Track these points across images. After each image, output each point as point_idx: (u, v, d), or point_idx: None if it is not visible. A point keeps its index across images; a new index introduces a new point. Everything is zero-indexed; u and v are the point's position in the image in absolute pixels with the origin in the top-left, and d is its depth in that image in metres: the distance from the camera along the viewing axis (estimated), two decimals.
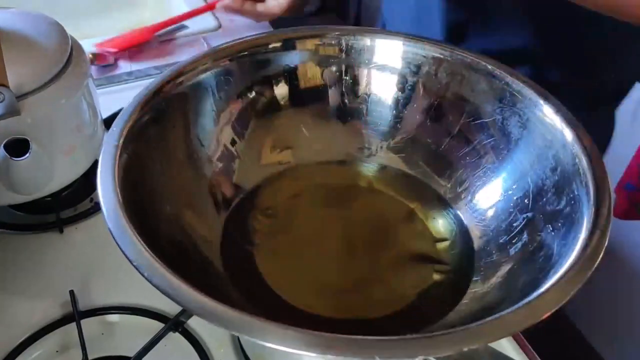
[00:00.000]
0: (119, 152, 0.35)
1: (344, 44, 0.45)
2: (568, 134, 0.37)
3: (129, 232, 0.31)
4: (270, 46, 0.44)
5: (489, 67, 0.42)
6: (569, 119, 0.38)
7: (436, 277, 0.40)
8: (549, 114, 0.39)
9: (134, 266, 0.30)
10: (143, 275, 0.29)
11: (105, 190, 0.33)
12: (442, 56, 0.43)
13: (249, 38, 0.44)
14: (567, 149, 0.37)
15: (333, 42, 0.45)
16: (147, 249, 0.30)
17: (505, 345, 0.44)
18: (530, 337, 0.44)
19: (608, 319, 1.12)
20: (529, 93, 0.40)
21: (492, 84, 0.41)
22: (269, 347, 0.27)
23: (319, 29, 0.46)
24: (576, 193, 0.36)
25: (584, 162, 0.36)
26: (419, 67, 0.44)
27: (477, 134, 0.43)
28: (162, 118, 0.40)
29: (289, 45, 0.45)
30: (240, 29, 0.76)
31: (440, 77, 0.44)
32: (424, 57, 0.44)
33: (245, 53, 0.44)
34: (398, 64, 0.45)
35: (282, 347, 0.27)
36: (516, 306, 0.29)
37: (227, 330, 0.28)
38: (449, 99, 0.44)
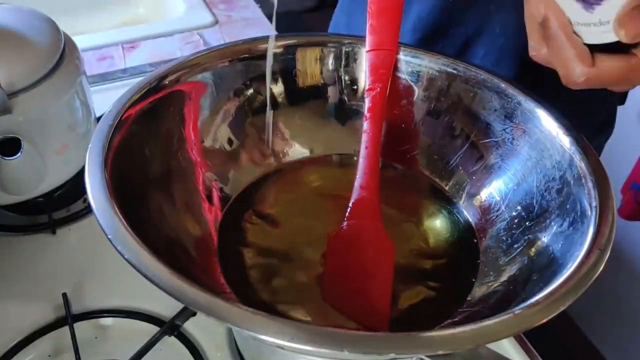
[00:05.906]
0: (106, 151, 0.34)
1: (343, 54, 0.44)
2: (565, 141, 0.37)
3: (122, 229, 0.30)
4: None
5: (502, 85, 0.41)
6: (576, 137, 0.37)
7: (437, 278, 0.39)
8: (559, 135, 0.38)
9: (128, 261, 0.28)
10: (139, 272, 0.28)
11: (94, 188, 0.32)
12: (455, 72, 0.43)
13: (248, 42, 0.44)
14: (574, 166, 0.37)
15: (333, 49, 0.44)
16: (142, 244, 0.29)
17: (507, 347, 0.43)
18: (531, 336, 0.43)
19: (610, 319, 1.12)
20: (540, 112, 0.39)
21: (503, 102, 0.41)
22: (266, 350, 0.26)
23: (321, 36, 0.45)
24: (579, 205, 0.35)
25: (586, 172, 0.36)
26: (417, 75, 0.44)
27: (480, 135, 0.42)
28: (156, 116, 0.39)
29: (289, 51, 0.44)
30: (237, 24, 0.75)
31: (451, 92, 0.43)
32: (426, 67, 0.43)
33: (243, 55, 0.43)
34: (399, 73, 0.44)
35: (281, 342, 0.26)
36: (519, 308, 0.29)
37: (231, 325, 0.27)
38: (456, 112, 0.43)
